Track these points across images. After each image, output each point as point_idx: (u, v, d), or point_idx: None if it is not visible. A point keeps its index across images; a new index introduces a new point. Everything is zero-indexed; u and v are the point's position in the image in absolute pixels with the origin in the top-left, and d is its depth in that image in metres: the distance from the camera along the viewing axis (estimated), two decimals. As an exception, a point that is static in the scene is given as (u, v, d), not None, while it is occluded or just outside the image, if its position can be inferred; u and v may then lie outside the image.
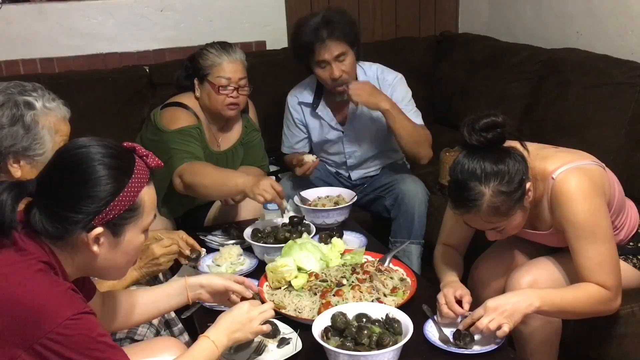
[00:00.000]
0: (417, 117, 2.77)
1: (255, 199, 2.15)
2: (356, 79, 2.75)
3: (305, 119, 2.88)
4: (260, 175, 2.64)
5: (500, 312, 1.62)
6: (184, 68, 2.59)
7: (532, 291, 1.74)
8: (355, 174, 2.99)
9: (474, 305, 1.73)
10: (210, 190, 2.28)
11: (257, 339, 1.65)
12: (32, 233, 1.25)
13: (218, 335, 1.46)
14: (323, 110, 2.85)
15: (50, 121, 1.65)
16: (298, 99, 2.87)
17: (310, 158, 2.69)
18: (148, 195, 1.32)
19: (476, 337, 1.66)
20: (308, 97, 2.85)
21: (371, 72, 2.80)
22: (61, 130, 1.67)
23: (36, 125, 1.62)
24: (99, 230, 1.25)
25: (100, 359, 1.19)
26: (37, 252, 1.23)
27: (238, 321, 1.49)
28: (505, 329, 1.60)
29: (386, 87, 2.76)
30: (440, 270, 1.96)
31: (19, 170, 1.62)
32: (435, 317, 1.75)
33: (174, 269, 2.17)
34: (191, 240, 2.06)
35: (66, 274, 1.28)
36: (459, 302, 1.75)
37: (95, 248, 1.26)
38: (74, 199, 1.23)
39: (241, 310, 1.52)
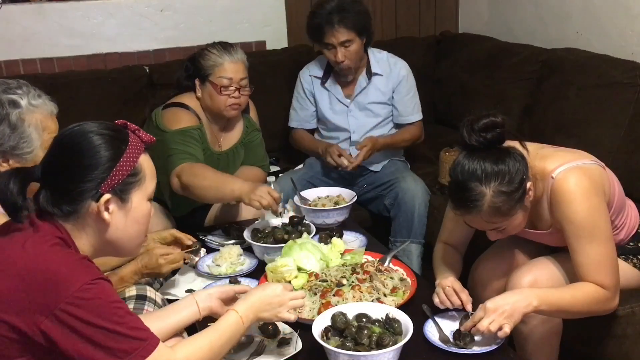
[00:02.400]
0: (417, 112, 3.03)
1: (251, 204, 2.19)
2: (368, 64, 2.96)
3: (314, 90, 3.03)
4: (259, 179, 2.69)
5: (500, 313, 1.62)
6: (185, 68, 2.59)
7: (530, 290, 1.74)
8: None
9: (474, 305, 1.73)
10: (207, 192, 2.30)
11: (257, 339, 1.65)
12: (46, 216, 1.30)
13: (246, 310, 1.47)
14: (331, 84, 3.02)
15: (37, 118, 1.64)
16: (309, 71, 3.05)
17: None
18: (146, 162, 1.37)
19: (476, 337, 1.66)
20: (319, 72, 3.03)
21: (381, 56, 3.01)
22: (49, 127, 1.66)
23: (22, 123, 1.61)
24: (107, 196, 1.29)
25: (119, 323, 1.22)
26: (52, 231, 1.28)
27: (268, 301, 1.51)
28: (507, 329, 1.60)
29: (397, 71, 2.98)
30: (439, 268, 1.96)
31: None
32: (435, 317, 1.75)
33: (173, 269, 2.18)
34: (181, 235, 2.07)
35: (79, 251, 1.32)
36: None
37: (106, 216, 1.31)
38: (77, 170, 1.28)
39: (275, 291, 1.53)
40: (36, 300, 1.18)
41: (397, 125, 3.05)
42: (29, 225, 1.28)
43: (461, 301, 1.75)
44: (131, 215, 1.35)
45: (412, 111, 3.01)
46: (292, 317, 1.54)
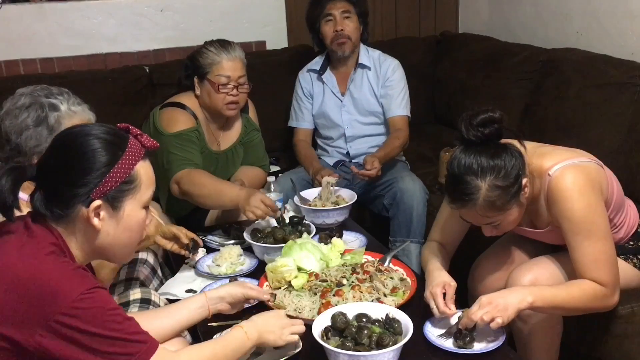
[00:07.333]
0: (404, 107, 3.01)
1: (246, 216, 2.21)
2: (358, 57, 3.03)
3: (312, 86, 3.10)
4: (259, 179, 2.72)
5: (494, 306, 1.63)
6: (184, 67, 2.59)
7: (525, 287, 1.75)
8: (354, 149, 3.07)
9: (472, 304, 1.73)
10: (206, 201, 2.35)
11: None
12: (40, 219, 1.29)
13: (252, 329, 1.48)
14: (328, 77, 3.08)
15: (74, 123, 1.64)
16: (307, 67, 3.13)
17: (328, 180, 2.61)
18: (144, 169, 1.34)
19: (475, 333, 1.65)
20: (316, 66, 3.11)
21: (374, 54, 3.07)
22: None
23: (60, 126, 1.65)
24: (97, 203, 1.27)
25: (116, 330, 1.22)
26: (47, 236, 1.26)
27: (274, 324, 1.53)
28: (499, 320, 1.61)
29: (385, 67, 3.03)
30: (427, 260, 1.95)
31: None
32: (435, 317, 1.75)
33: (173, 270, 2.18)
34: (191, 234, 2.09)
35: (74, 257, 1.31)
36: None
37: (96, 222, 1.29)
38: (71, 173, 1.27)
39: (279, 315, 1.57)
40: (32, 312, 1.17)
41: (386, 121, 3.06)
42: (24, 228, 1.26)
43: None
44: (123, 222, 1.33)
45: (399, 104, 2.99)
46: (295, 337, 1.56)
